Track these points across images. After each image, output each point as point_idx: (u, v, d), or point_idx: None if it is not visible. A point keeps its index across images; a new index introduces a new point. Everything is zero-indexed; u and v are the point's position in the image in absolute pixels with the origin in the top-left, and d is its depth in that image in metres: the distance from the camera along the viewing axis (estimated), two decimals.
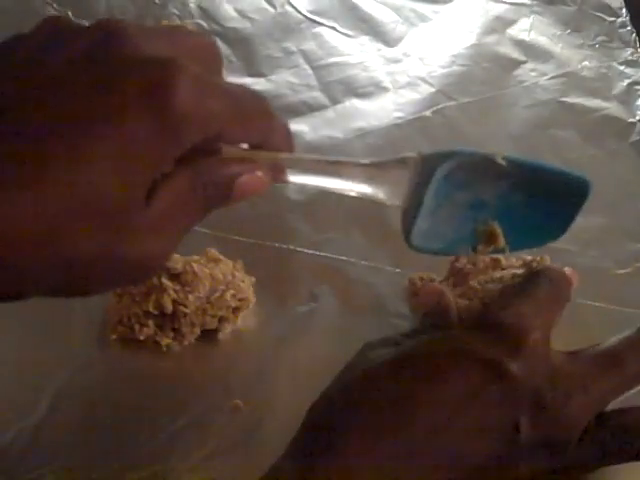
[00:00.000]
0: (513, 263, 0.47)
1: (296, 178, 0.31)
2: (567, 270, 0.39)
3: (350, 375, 0.33)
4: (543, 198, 0.37)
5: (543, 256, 0.47)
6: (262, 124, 0.28)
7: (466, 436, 0.29)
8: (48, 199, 0.23)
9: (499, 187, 0.36)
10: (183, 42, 0.27)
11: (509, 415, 0.29)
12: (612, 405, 0.32)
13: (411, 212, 0.34)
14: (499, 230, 0.36)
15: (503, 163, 0.35)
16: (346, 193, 0.33)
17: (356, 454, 0.29)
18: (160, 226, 0.26)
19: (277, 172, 0.30)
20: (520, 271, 0.47)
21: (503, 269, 0.47)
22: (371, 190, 0.33)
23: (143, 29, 0.26)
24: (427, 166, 0.33)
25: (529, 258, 0.47)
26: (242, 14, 0.68)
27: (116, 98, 0.23)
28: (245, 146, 0.30)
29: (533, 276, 0.36)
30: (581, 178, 0.37)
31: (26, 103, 0.24)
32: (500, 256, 0.48)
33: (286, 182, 0.31)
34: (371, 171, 0.33)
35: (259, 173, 0.28)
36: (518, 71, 0.65)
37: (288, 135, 0.30)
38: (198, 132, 0.25)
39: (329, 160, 0.32)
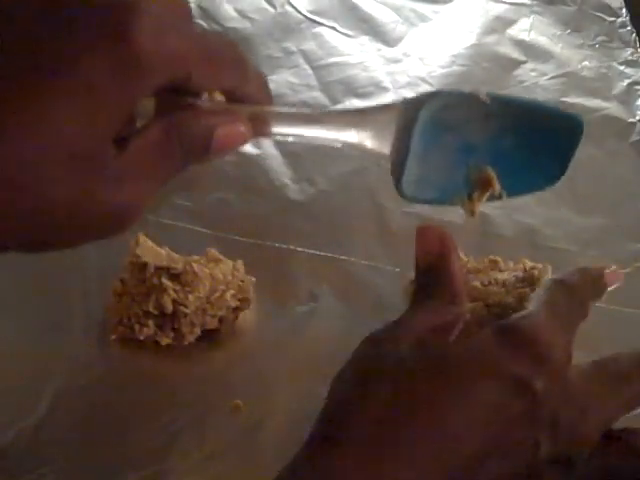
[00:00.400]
0: (510, 266, 0.47)
1: (279, 130, 0.30)
2: (609, 272, 0.37)
3: (367, 369, 0.32)
4: (535, 139, 0.35)
5: (545, 264, 0.47)
6: (234, 69, 0.28)
7: (487, 450, 0.29)
8: (13, 145, 0.23)
9: (488, 128, 0.34)
10: None
11: (530, 432, 0.29)
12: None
13: (399, 160, 0.33)
14: (493, 174, 0.35)
15: (487, 100, 0.33)
16: (332, 143, 0.32)
17: (372, 456, 0.28)
18: (133, 175, 0.25)
19: (259, 125, 0.29)
20: (521, 274, 0.47)
21: (501, 270, 0.47)
22: (357, 138, 0.32)
23: None
24: (411, 110, 0.32)
25: (530, 265, 0.47)
26: (242, 14, 0.68)
27: (76, 42, 0.23)
28: (222, 99, 0.29)
29: (557, 284, 0.34)
30: (572, 115, 0.36)
31: None
32: (498, 258, 0.48)
33: (269, 135, 0.30)
34: (356, 119, 0.32)
35: (238, 125, 0.28)
36: (518, 71, 0.65)
37: (265, 85, 0.30)
38: (161, 72, 0.24)
39: (313, 111, 0.32)
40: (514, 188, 0.36)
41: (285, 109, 0.31)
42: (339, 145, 0.32)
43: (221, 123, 0.27)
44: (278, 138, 0.32)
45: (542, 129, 0.35)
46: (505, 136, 0.34)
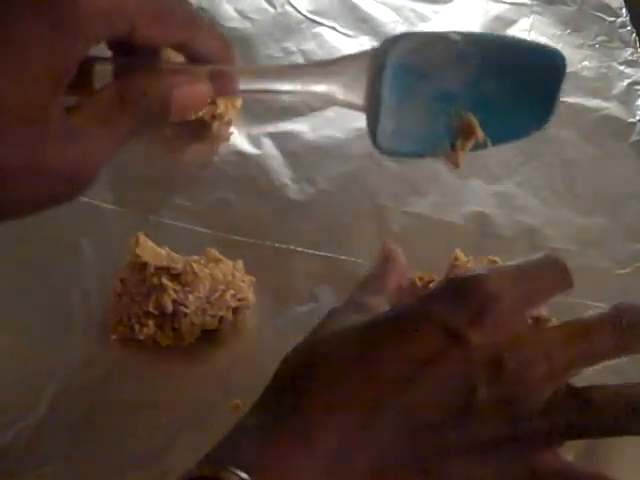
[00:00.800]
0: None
1: (247, 86, 0.30)
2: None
3: (317, 337, 0.33)
4: (516, 79, 0.33)
5: None
6: (182, 23, 0.27)
7: (425, 396, 0.29)
8: None
9: (465, 72, 0.32)
10: None
11: (465, 380, 0.29)
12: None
13: (374, 111, 0.32)
14: (475, 120, 0.33)
15: (457, 38, 0.31)
16: (302, 96, 0.31)
17: (321, 412, 0.29)
18: (83, 134, 0.25)
19: (226, 82, 0.29)
20: None
21: None
22: (326, 89, 0.31)
23: None
24: (380, 56, 0.31)
25: None
26: (242, 14, 0.68)
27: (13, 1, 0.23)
28: (181, 60, 0.29)
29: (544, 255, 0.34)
30: (552, 50, 0.34)
31: None
32: (497, 258, 0.48)
33: (235, 92, 0.30)
34: (324, 70, 0.31)
35: (198, 84, 0.28)
36: None
37: (225, 44, 0.29)
38: (102, 26, 0.24)
39: (279, 65, 0.31)
40: (499, 135, 0.34)
41: (251, 67, 0.30)
42: (310, 96, 0.31)
43: (179, 83, 0.27)
44: (246, 95, 0.31)
45: (522, 68, 0.33)
46: (484, 79, 0.33)
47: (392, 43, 0.31)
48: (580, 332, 0.31)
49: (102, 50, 0.28)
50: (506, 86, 0.33)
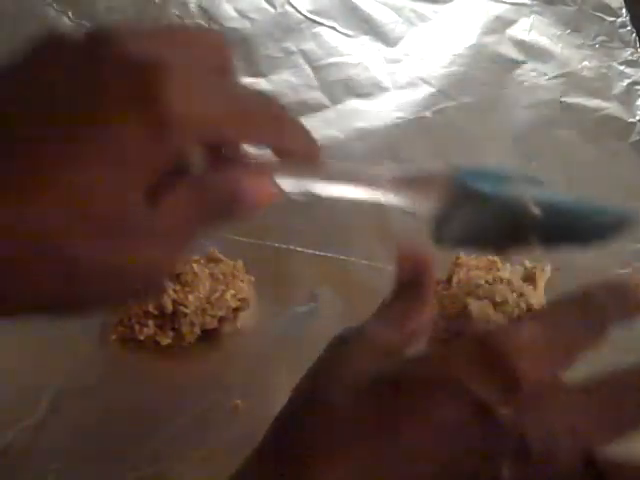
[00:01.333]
0: (508, 267, 0.47)
1: (317, 188, 0.30)
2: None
3: (324, 378, 0.31)
4: (579, 227, 0.36)
5: (544, 265, 0.47)
6: (269, 127, 0.27)
7: (445, 474, 0.27)
8: (44, 207, 0.23)
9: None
10: (184, 41, 0.26)
11: (491, 461, 0.27)
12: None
13: (440, 221, 0.34)
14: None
15: (536, 212, 0.34)
16: (370, 201, 0.32)
17: (320, 470, 0.27)
18: (162, 234, 0.25)
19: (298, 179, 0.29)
20: (522, 273, 0.47)
21: (499, 270, 0.47)
22: (399, 201, 0.32)
23: (138, 31, 0.26)
24: (458, 184, 0.33)
25: (529, 265, 0.47)
26: (242, 14, 0.68)
27: (103, 102, 0.23)
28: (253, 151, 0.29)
29: (566, 297, 0.31)
30: (623, 211, 0.36)
31: (20, 108, 0.24)
32: (497, 258, 0.48)
33: (307, 193, 0.30)
34: (399, 184, 0.32)
35: (268, 184, 0.28)
36: (518, 71, 0.65)
37: (306, 140, 0.29)
38: (191, 134, 0.24)
39: (354, 167, 0.32)
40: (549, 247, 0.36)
41: (326, 164, 0.30)
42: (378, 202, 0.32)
43: (251, 181, 0.27)
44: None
45: (589, 223, 0.36)
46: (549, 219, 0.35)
47: (475, 181, 0.33)
48: (609, 401, 0.29)
49: None
50: (569, 227, 0.36)
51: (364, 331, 0.33)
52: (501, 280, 0.45)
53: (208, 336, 0.45)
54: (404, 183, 0.32)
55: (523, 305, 0.44)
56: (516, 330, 0.29)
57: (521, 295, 0.44)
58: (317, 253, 0.51)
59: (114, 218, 0.24)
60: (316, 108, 0.61)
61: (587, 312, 0.31)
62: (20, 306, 0.25)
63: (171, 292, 0.43)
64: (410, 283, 0.34)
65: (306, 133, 0.29)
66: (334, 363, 0.32)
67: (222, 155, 0.27)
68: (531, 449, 0.28)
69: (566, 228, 0.36)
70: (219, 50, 0.28)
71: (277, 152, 0.28)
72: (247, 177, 0.27)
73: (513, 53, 0.66)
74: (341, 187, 0.31)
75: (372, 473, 0.27)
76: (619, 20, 0.69)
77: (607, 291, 0.32)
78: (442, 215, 0.34)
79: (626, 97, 0.62)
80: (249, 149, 0.29)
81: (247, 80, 0.62)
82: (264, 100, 0.28)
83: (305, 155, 0.29)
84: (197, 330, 0.45)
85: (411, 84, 0.63)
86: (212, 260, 0.46)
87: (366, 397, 0.29)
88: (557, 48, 0.67)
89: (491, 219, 0.35)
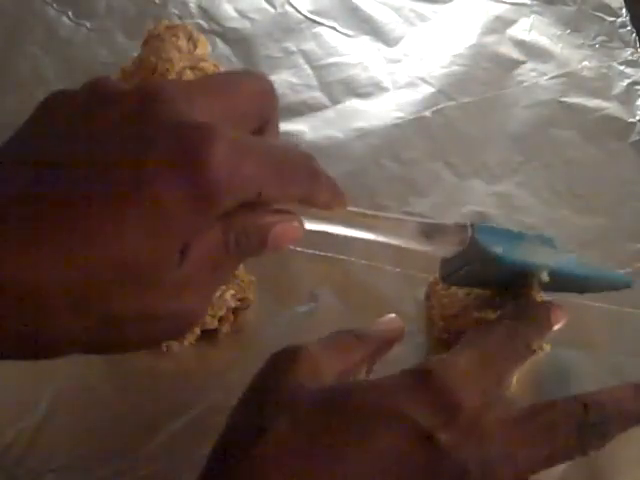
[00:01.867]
0: None
1: (340, 230, 0.31)
2: (554, 307, 0.37)
3: (268, 414, 0.30)
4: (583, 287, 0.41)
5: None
6: (304, 184, 0.28)
7: None
8: (82, 262, 0.23)
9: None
10: (231, 96, 0.26)
11: None
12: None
13: (453, 266, 0.36)
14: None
15: (546, 279, 0.37)
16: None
17: None
18: (193, 282, 0.25)
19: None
20: None
21: None
22: (418, 247, 0.34)
23: (187, 87, 0.26)
24: (473, 241, 0.35)
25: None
26: (242, 14, 0.68)
27: (149, 163, 0.23)
28: None
29: (488, 324, 0.35)
30: (621, 278, 0.42)
31: (61, 163, 0.24)
32: None
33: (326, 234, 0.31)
34: (420, 232, 0.33)
35: (295, 223, 0.28)
36: (518, 71, 0.65)
37: (335, 193, 0.29)
38: (233, 198, 0.25)
39: (377, 215, 0.32)
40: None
41: (349, 212, 0.31)
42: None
43: (277, 222, 0.28)
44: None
45: (589, 285, 0.41)
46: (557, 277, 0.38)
47: (493, 243, 0.36)
48: (546, 433, 0.30)
49: None
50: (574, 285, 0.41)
51: (303, 353, 0.33)
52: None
53: (208, 336, 0.45)
54: (422, 232, 0.34)
55: None
56: (452, 360, 0.31)
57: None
58: (317, 253, 0.51)
59: (149, 274, 0.24)
60: (316, 108, 0.61)
61: (511, 336, 0.33)
62: (56, 351, 0.26)
63: None
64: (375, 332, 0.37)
65: (337, 187, 0.30)
66: (269, 388, 0.32)
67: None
68: (470, 475, 0.28)
69: (567, 286, 0.40)
70: (264, 98, 0.28)
71: (306, 202, 0.29)
72: (276, 221, 0.28)
73: (513, 53, 0.66)
74: (360, 232, 0.32)
75: None
76: (619, 20, 0.69)
77: (521, 313, 0.35)
78: (452, 263, 0.36)
79: (626, 97, 0.62)
80: None
81: None
82: (299, 156, 0.28)
83: (333, 207, 0.30)
84: (197, 330, 0.45)
85: (411, 84, 0.63)
86: None
87: (304, 425, 0.29)
88: (557, 48, 0.67)
89: (499, 277, 0.38)
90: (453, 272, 0.37)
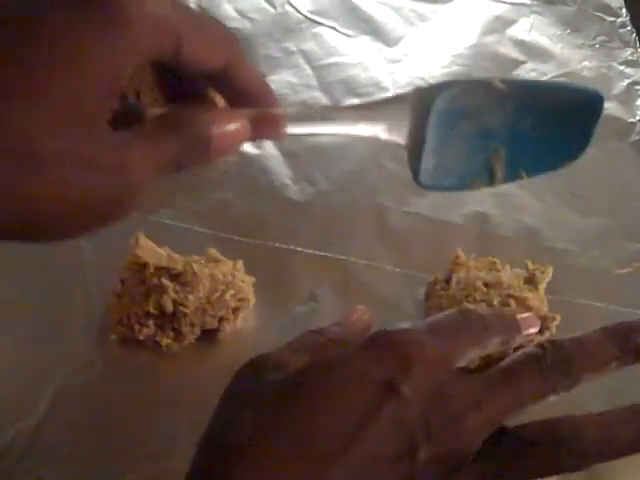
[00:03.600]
0: (508, 269, 0.47)
1: (293, 130, 0.30)
2: (524, 316, 0.36)
3: (236, 408, 0.31)
4: (553, 118, 0.35)
5: (546, 266, 0.47)
6: (225, 43, 0.28)
7: (367, 459, 0.28)
8: (6, 116, 0.23)
9: (505, 112, 0.34)
10: None
11: (405, 436, 0.28)
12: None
13: (416, 150, 0.34)
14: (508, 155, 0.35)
15: (501, 86, 0.33)
16: (345, 136, 0.32)
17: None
18: (131, 146, 0.25)
19: (272, 126, 0.29)
20: (524, 275, 0.47)
21: (498, 271, 0.47)
22: (370, 131, 0.32)
23: None
24: (425, 100, 0.33)
25: (531, 267, 0.47)
26: (242, 14, 0.68)
27: (67, 11, 0.24)
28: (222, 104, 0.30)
29: (459, 310, 0.34)
30: (590, 90, 0.36)
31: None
32: (496, 259, 0.48)
33: (280, 137, 0.30)
34: (368, 112, 0.32)
35: (238, 124, 0.28)
36: (518, 71, 0.65)
37: (261, 80, 0.29)
38: (150, 37, 0.25)
39: (323, 108, 0.32)
40: (535, 167, 0.36)
41: (293, 109, 0.30)
42: (352, 136, 0.32)
43: (219, 120, 0.27)
44: (288, 138, 0.31)
45: (560, 107, 0.35)
46: (523, 117, 0.35)
47: (439, 89, 0.33)
48: (508, 377, 0.31)
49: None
50: (543, 123, 0.35)
51: (268, 356, 0.34)
52: (500, 283, 0.45)
53: (208, 336, 0.45)
54: (370, 109, 0.33)
55: (521, 310, 0.44)
56: (405, 326, 0.31)
57: (519, 300, 0.44)
58: (317, 253, 0.51)
59: (77, 122, 0.24)
60: (316, 106, 0.61)
61: (471, 321, 0.33)
62: None
63: (171, 292, 0.44)
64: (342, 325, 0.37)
65: (256, 69, 0.30)
66: (238, 390, 0.33)
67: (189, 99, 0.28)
68: (435, 429, 0.29)
69: (533, 101, 0.35)
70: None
71: (232, 94, 0.29)
72: (217, 117, 0.28)
73: (513, 53, 0.66)
74: (310, 127, 0.31)
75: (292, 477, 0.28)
76: (619, 20, 0.69)
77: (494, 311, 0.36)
78: (414, 143, 0.34)
79: (626, 97, 0.62)
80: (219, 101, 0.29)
81: None
82: (217, 20, 0.28)
83: (261, 97, 0.29)
84: (197, 330, 0.45)
85: (411, 84, 0.63)
86: (212, 260, 0.46)
87: (270, 407, 0.29)
88: (557, 48, 0.67)
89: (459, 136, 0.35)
90: (420, 150, 0.34)
